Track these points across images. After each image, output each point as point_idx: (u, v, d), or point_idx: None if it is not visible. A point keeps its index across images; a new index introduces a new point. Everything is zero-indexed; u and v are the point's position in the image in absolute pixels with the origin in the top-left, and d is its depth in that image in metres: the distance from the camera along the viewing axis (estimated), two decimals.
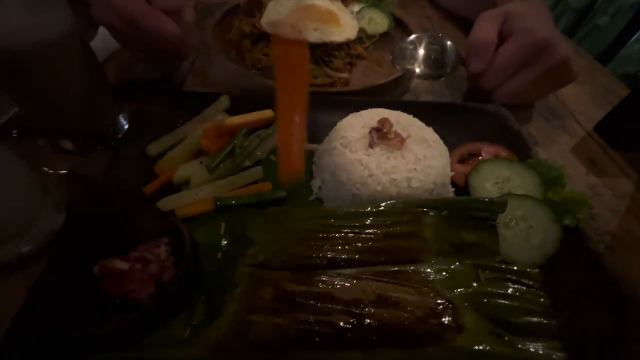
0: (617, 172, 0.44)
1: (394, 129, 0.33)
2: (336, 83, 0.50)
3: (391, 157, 0.31)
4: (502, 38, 0.45)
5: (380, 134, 0.32)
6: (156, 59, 0.45)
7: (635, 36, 1.64)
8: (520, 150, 0.39)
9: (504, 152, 0.39)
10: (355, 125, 0.34)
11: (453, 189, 0.35)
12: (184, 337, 0.23)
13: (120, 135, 0.41)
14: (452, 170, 0.37)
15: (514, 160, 0.36)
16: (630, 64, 1.63)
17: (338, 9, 0.55)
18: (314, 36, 0.48)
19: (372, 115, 0.35)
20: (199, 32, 0.39)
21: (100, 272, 0.25)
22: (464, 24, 0.72)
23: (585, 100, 0.55)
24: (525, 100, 0.50)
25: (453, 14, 0.75)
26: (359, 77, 0.53)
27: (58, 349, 0.22)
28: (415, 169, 0.31)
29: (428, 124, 0.39)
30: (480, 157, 0.39)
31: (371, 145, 0.32)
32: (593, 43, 1.87)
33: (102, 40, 0.54)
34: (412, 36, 0.49)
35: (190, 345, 0.22)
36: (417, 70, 0.46)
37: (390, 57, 0.56)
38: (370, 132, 0.33)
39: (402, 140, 0.32)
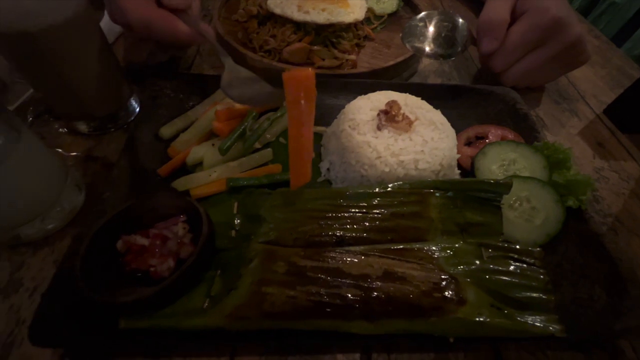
0: (624, 155, 0.44)
1: (402, 111, 0.33)
2: (344, 65, 0.49)
3: (399, 139, 0.32)
4: (514, 17, 0.44)
5: (389, 117, 0.33)
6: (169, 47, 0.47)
7: None
8: (527, 133, 0.39)
9: (510, 135, 0.39)
10: (364, 108, 0.34)
11: (459, 171, 0.36)
12: (203, 307, 0.25)
13: (132, 118, 0.42)
14: (458, 153, 0.37)
15: (520, 143, 0.36)
16: None
17: None
18: (321, 17, 0.47)
19: (381, 98, 0.36)
20: (206, 26, 0.41)
21: (123, 248, 0.26)
22: (475, 3, 0.70)
23: (597, 82, 0.54)
24: (536, 83, 0.49)
25: None
26: (367, 59, 0.52)
27: (89, 316, 0.24)
28: (422, 151, 0.31)
29: (436, 106, 0.39)
30: (487, 140, 0.39)
31: (379, 128, 0.32)
32: (609, 22, 1.81)
33: (109, 22, 0.54)
34: (423, 13, 0.48)
35: (209, 314, 0.24)
36: (427, 49, 0.46)
37: (399, 37, 0.56)
38: (378, 114, 0.33)
39: (410, 123, 0.33)
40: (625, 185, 0.41)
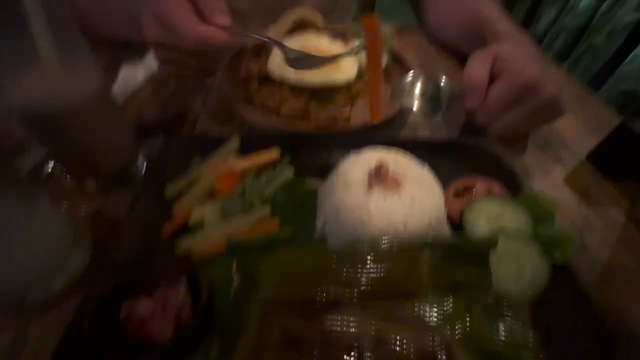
0: (608, 202, 0.46)
1: (390, 170, 0.36)
2: (339, 121, 0.53)
3: (389, 198, 0.34)
4: (493, 77, 0.48)
5: (378, 176, 0.35)
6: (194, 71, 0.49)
7: (630, 55, 1.67)
8: (512, 185, 0.41)
9: (496, 187, 0.41)
10: (355, 167, 0.37)
11: (448, 224, 0.38)
12: None
13: (139, 175, 0.44)
14: (447, 205, 0.39)
15: (505, 198, 0.38)
16: (628, 82, 1.66)
17: (339, 48, 0.59)
18: (316, 79, 0.52)
19: (371, 157, 0.38)
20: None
21: (125, 315, 0.27)
22: (458, 57, 0.76)
23: (577, 128, 0.58)
24: (519, 133, 0.53)
25: (447, 46, 0.79)
26: (360, 114, 0.56)
27: None
28: (411, 210, 0.33)
29: (424, 160, 0.42)
30: (473, 191, 0.41)
31: (370, 188, 0.35)
32: (589, 62, 1.92)
33: (122, 84, 0.59)
34: (409, 74, 0.52)
35: None
36: (414, 109, 0.50)
37: (389, 91, 0.60)
38: (369, 174, 0.36)
39: (399, 183, 0.35)
40: (612, 233, 0.42)
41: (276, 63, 0.55)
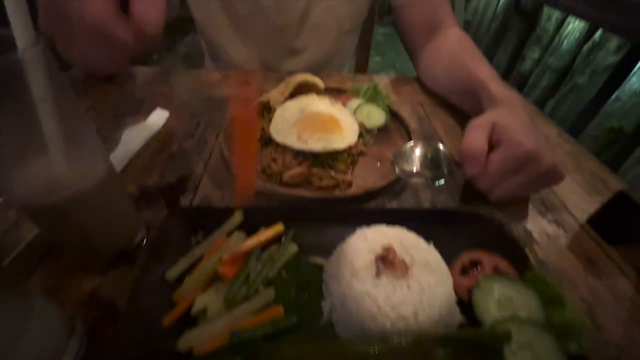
0: (614, 271, 0.46)
1: (398, 256, 0.35)
2: (340, 185, 0.53)
3: (397, 287, 0.33)
4: (492, 144, 0.50)
5: (386, 262, 0.35)
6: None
7: (615, 94, 1.76)
8: (518, 259, 0.41)
9: (502, 264, 0.41)
10: (362, 251, 0.36)
11: (458, 308, 0.37)
12: None
13: (140, 250, 0.43)
14: (455, 284, 0.39)
15: (514, 279, 0.38)
16: (614, 119, 1.73)
17: (339, 111, 0.61)
18: (318, 145, 0.52)
19: (376, 237, 0.38)
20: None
21: None
22: (454, 110, 0.79)
23: (574, 188, 0.59)
24: (519, 198, 0.53)
25: (443, 100, 0.82)
26: (361, 175, 0.57)
27: None
28: (421, 300, 0.32)
29: (427, 229, 0.42)
30: (480, 267, 0.41)
31: (378, 275, 0.34)
32: (575, 100, 2.00)
33: (124, 146, 0.59)
34: (409, 143, 0.54)
35: None
36: (416, 172, 0.51)
37: (389, 150, 0.61)
38: (376, 259, 0.35)
39: (407, 268, 0.34)
40: (622, 307, 0.42)
41: (278, 128, 0.56)
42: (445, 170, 0.51)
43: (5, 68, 0.25)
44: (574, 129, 1.90)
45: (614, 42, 1.73)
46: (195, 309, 0.34)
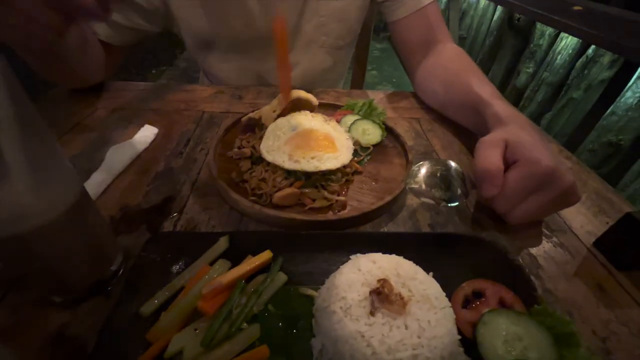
0: (627, 301, 0.43)
1: (394, 287, 0.32)
2: (334, 206, 0.51)
3: (394, 326, 0.30)
4: (507, 163, 0.47)
5: (381, 297, 0.31)
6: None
7: (610, 108, 1.76)
8: (524, 289, 0.38)
9: (508, 295, 0.38)
10: (355, 284, 0.33)
11: (462, 349, 0.33)
12: None
13: (115, 280, 0.40)
14: (457, 318, 0.35)
15: (522, 314, 0.35)
16: (611, 133, 1.73)
17: (334, 129, 0.59)
18: (311, 165, 0.50)
19: (371, 268, 0.35)
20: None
21: None
22: (451, 125, 0.77)
23: (580, 210, 0.56)
24: (535, 220, 0.51)
25: (440, 115, 0.80)
26: (356, 196, 0.54)
27: None
28: (420, 342, 0.29)
29: (426, 255, 0.40)
30: (484, 299, 0.38)
31: (372, 313, 0.31)
32: (571, 114, 2.01)
33: (107, 165, 0.57)
34: (420, 162, 0.52)
35: None
36: (427, 196, 0.48)
37: (386, 172, 0.59)
38: (370, 294, 0.32)
39: (404, 304, 0.31)
40: (637, 340, 0.38)
41: (269, 146, 0.54)
42: (459, 191, 0.49)
43: None
44: (571, 142, 1.90)
45: (607, 57, 1.75)
46: (169, 352, 0.31)
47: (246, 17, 0.80)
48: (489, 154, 0.46)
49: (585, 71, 1.87)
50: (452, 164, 0.50)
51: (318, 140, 0.53)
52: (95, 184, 0.52)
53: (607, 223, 0.53)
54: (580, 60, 1.92)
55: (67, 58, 0.64)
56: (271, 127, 0.57)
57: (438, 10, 0.85)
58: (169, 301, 0.36)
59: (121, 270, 0.41)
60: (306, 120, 0.57)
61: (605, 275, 0.46)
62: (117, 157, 0.58)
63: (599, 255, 0.48)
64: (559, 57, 2.07)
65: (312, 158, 0.51)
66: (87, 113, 0.73)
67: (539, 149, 0.45)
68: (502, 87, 2.69)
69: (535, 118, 2.27)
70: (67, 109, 0.74)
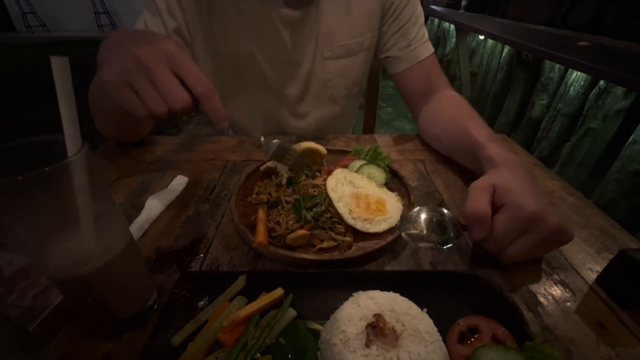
0: (629, 339, 0.43)
1: (388, 322, 0.36)
2: (341, 246, 0.56)
3: (387, 358, 0.34)
4: (495, 206, 0.51)
5: (376, 331, 0.36)
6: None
7: (632, 137, 1.73)
8: (516, 326, 0.40)
9: (500, 331, 0.40)
10: (354, 318, 0.38)
11: None
12: None
13: (151, 314, 0.46)
14: (451, 352, 0.38)
15: (511, 349, 0.37)
16: (636, 162, 1.68)
17: (385, 193, 0.65)
18: (363, 226, 0.57)
19: (369, 304, 0.40)
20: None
21: None
22: (454, 166, 0.82)
23: (581, 246, 0.58)
24: (530, 258, 0.53)
25: (443, 156, 0.85)
26: (361, 236, 0.59)
27: None
28: None
29: (424, 292, 0.43)
30: (478, 335, 0.41)
31: (368, 345, 0.35)
32: (592, 143, 1.98)
33: (147, 212, 0.66)
34: (415, 208, 0.56)
35: None
36: (422, 239, 0.53)
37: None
38: (366, 328, 0.36)
39: (397, 337, 0.35)
40: None
41: (333, 186, 0.61)
42: (452, 234, 0.53)
43: (59, 169, 0.32)
44: (596, 173, 1.85)
45: (620, 88, 1.75)
46: None
47: (262, 79, 0.93)
48: (478, 198, 0.51)
49: (600, 102, 1.87)
50: (445, 210, 0.55)
51: (374, 204, 0.60)
52: (136, 229, 0.61)
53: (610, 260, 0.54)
54: (593, 91, 1.93)
55: (140, 123, 0.78)
56: (335, 176, 0.64)
57: (435, 62, 0.94)
58: (195, 332, 0.42)
59: (156, 305, 0.48)
60: (362, 182, 0.65)
61: (607, 312, 0.47)
62: (154, 204, 0.68)
63: (601, 293, 0.49)
64: (571, 89, 2.09)
65: (365, 220, 0.57)
66: (129, 164, 0.86)
67: (525, 194, 0.49)
68: (519, 118, 2.70)
69: (555, 148, 2.24)
70: (114, 163, 0.87)
